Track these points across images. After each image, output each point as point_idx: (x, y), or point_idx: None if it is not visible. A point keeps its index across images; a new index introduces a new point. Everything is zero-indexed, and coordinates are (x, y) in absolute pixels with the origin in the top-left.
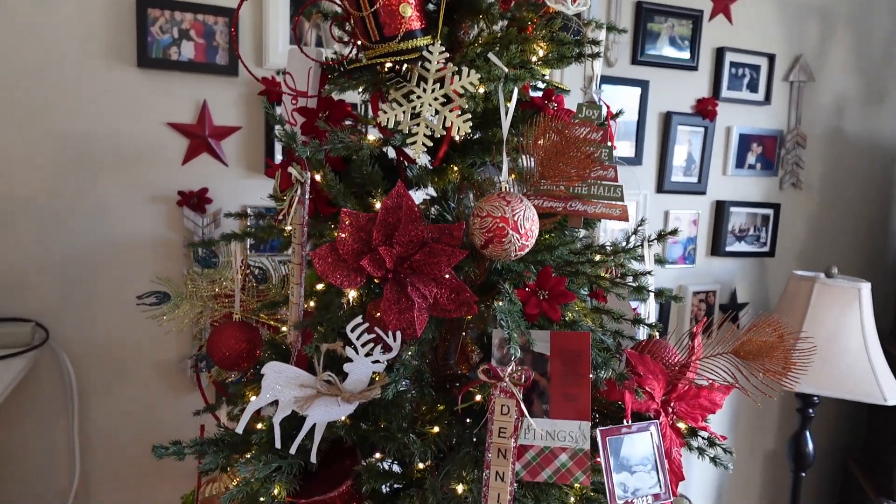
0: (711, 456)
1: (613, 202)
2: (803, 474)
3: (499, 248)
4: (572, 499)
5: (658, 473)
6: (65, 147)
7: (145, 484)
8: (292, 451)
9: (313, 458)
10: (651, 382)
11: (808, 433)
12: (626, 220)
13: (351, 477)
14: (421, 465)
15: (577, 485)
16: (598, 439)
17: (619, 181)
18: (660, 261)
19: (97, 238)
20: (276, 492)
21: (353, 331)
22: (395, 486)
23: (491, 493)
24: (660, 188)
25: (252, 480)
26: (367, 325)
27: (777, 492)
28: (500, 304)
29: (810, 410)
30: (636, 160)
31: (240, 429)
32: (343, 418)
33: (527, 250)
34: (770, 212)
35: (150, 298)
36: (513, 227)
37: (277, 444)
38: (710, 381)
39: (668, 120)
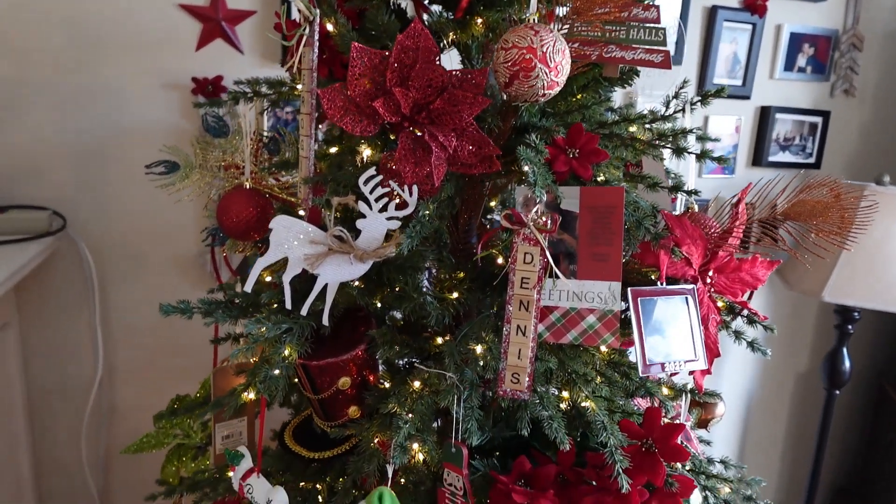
0: (749, 340)
1: (655, 48)
2: (837, 392)
3: (525, 84)
4: (599, 361)
5: (693, 341)
6: (77, 28)
7: (168, 373)
8: (303, 312)
9: (325, 321)
10: (689, 246)
11: (844, 350)
12: (669, 67)
13: (365, 342)
14: (439, 340)
15: (604, 347)
16: (630, 299)
17: None
18: (703, 154)
19: (112, 126)
20: (286, 353)
21: (365, 184)
22: (412, 360)
23: (511, 347)
24: (700, 91)
25: (262, 339)
26: (380, 177)
27: (808, 412)
28: (526, 150)
29: (849, 327)
30: (675, 59)
31: (248, 287)
32: (356, 280)
33: (556, 89)
34: (819, 120)
35: (158, 168)
36: (541, 59)
37: (288, 305)
38: (754, 254)
39: (712, 15)
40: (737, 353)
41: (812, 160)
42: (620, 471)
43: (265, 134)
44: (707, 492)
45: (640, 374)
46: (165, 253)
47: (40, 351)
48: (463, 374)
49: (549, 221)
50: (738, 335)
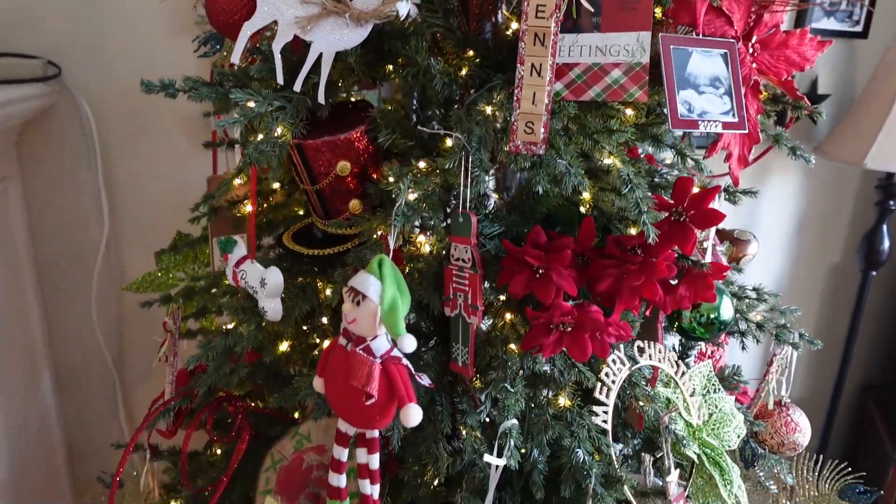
0: (791, 146)
1: None
2: (873, 273)
3: None
4: (629, 112)
5: (731, 99)
6: None
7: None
8: (296, 88)
9: (321, 97)
10: (730, 2)
11: (884, 228)
12: None
13: (365, 123)
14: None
15: (629, 111)
16: (661, 47)
17: None
18: None
19: None
20: (279, 132)
21: None
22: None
23: (524, 91)
24: None
25: (251, 114)
26: None
27: (839, 306)
28: None
29: (891, 203)
30: None
31: (235, 59)
32: (354, 48)
33: None
34: None
35: None
36: None
37: (279, 80)
38: (802, 28)
39: None
40: (767, 245)
41: (859, 28)
42: (647, 222)
43: None
44: (738, 314)
45: (671, 128)
46: (168, 113)
47: (45, 215)
48: (471, 135)
49: None
50: (777, 140)
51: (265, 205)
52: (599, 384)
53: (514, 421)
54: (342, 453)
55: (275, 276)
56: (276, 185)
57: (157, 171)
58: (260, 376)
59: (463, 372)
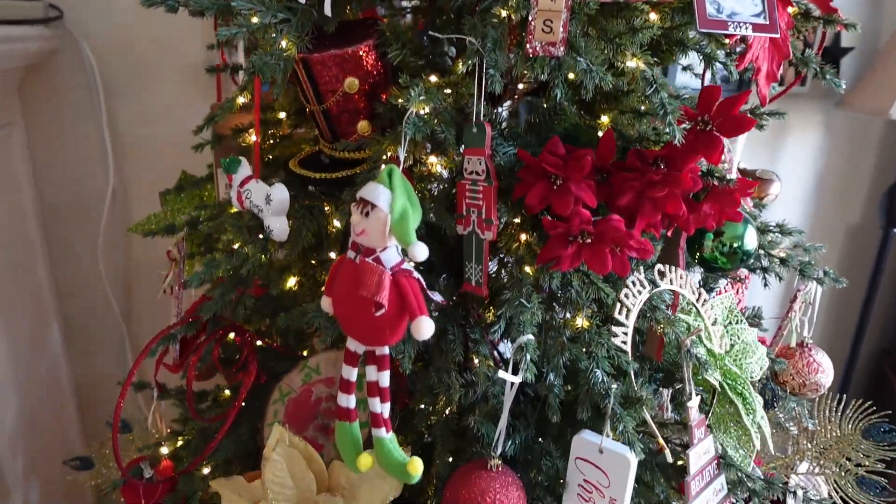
0: (818, 68)
1: None
2: (894, 231)
3: None
4: (653, 16)
5: (764, 6)
6: None
7: None
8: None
9: (327, 9)
10: None
11: None
12: None
13: (374, 38)
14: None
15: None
16: None
17: None
18: None
19: None
20: (283, 45)
21: None
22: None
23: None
24: None
25: (253, 27)
26: None
27: (856, 267)
28: None
29: None
30: None
31: None
32: None
33: None
34: None
35: None
36: None
37: None
38: None
39: None
40: (784, 205)
41: None
42: (672, 122)
43: None
44: (762, 249)
45: (699, 29)
46: (172, 63)
47: (49, 164)
48: (485, 38)
49: None
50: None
51: (270, 141)
52: (619, 305)
53: (530, 336)
54: (351, 373)
55: (280, 192)
56: (282, 115)
57: (162, 117)
58: (267, 310)
59: (476, 291)
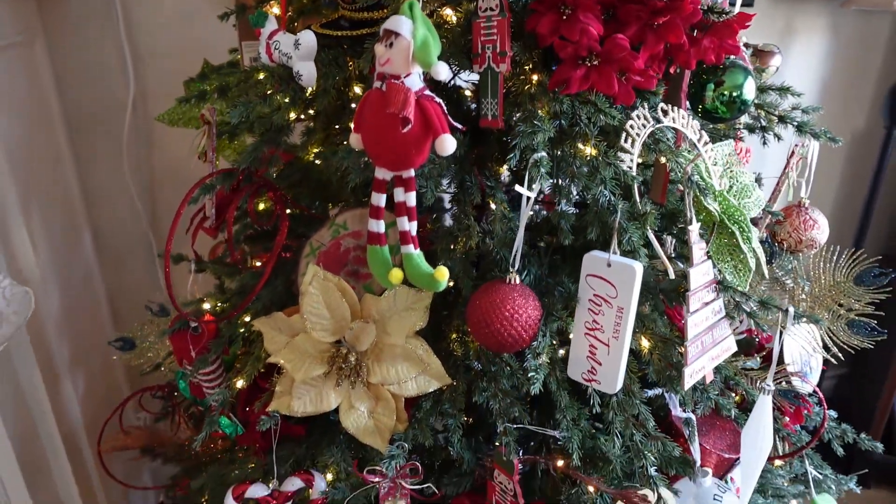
0: None
1: None
2: None
3: None
4: None
5: None
6: None
7: None
8: None
9: None
10: None
11: None
12: None
13: None
14: None
15: None
16: None
17: None
18: None
19: None
20: None
21: None
22: None
23: None
24: None
25: None
26: None
27: (859, 174)
28: None
29: None
30: None
31: None
32: None
33: None
34: None
35: None
36: None
37: None
38: None
39: None
40: None
41: None
42: None
43: None
44: (761, 109)
45: None
46: None
47: (71, 73)
48: None
49: None
50: None
51: (290, 14)
52: (624, 134)
53: (544, 153)
54: (380, 199)
55: (308, 36)
56: None
57: (181, 24)
58: (294, 177)
59: (493, 124)
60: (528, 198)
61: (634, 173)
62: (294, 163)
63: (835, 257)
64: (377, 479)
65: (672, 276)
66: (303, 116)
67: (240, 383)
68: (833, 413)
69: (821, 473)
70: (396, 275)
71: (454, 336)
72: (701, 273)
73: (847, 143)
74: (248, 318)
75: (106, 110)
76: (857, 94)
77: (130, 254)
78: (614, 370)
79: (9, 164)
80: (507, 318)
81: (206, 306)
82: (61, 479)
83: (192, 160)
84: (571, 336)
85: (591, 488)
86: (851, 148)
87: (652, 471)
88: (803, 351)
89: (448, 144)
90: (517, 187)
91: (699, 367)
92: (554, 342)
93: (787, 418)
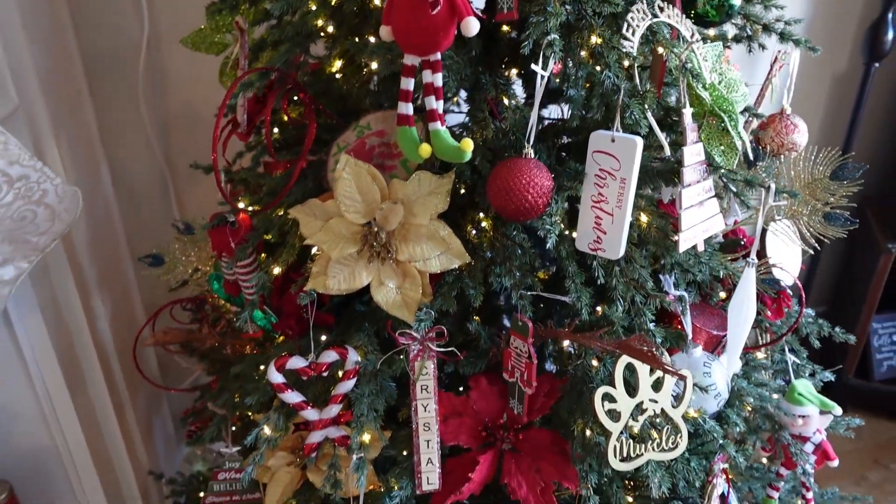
0: None
1: None
2: (876, 66)
3: None
4: None
5: None
6: None
7: None
8: None
9: None
10: None
11: (889, 17)
12: None
13: None
14: None
15: None
16: None
17: None
18: None
19: None
20: None
21: None
22: None
23: None
24: None
25: None
26: None
27: (841, 116)
28: None
29: None
30: None
31: None
32: None
33: None
34: None
35: None
36: None
37: None
38: None
39: None
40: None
41: None
42: None
43: None
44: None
45: None
46: None
47: (86, 10)
48: None
49: None
50: None
51: None
52: (626, 25)
53: (556, 35)
54: (409, 83)
55: None
56: None
57: None
58: (318, 87)
59: (508, 17)
60: (542, 76)
61: (635, 53)
62: (318, 74)
63: (813, 156)
64: (408, 342)
65: (668, 152)
66: (330, 29)
67: (277, 270)
68: (810, 312)
69: (800, 360)
70: (425, 149)
71: (470, 228)
72: (693, 153)
73: (828, 84)
74: (280, 213)
75: (121, 49)
76: (839, 35)
77: (146, 191)
78: (617, 237)
79: (41, 91)
80: (525, 186)
81: (241, 205)
82: (95, 389)
83: (228, 66)
84: (580, 210)
85: (594, 362)
86: (833, 88)
87: (650, 325)
88: (784, 247)
89: (472, 25)
90: (532, 66)
91: (692, 234)
92: (564, 211)
93: (770, 312)
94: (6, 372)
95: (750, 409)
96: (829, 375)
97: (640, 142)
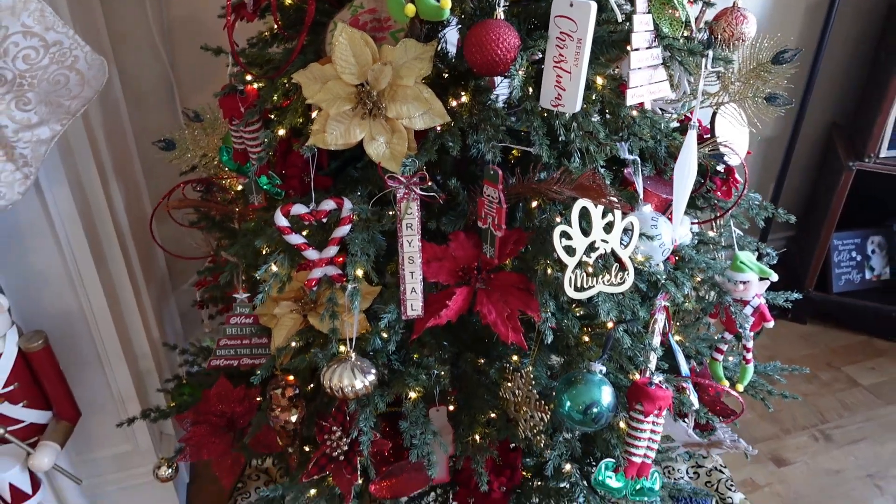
0: None
1: None
2: None
3: None
4: None
5: None
6: None
7: None
8: None
9: None
10: None
11: None
12: None
13: None
14: None
15: None
16: None
17: None
18: None
19: None
20: None
21: None
22: None
23: None
24: None
25: None
26: None
27: (815, 36)
28: None
29: None
30: None
31: None
32: None
33: None
34: None
35: None
36: None
37: None
38: None
39: None
40: None
41: None
42: None
43: None
44: None
45: None
46: None
47: None
48: None
49: None
50: None
51: None
52: None
53: None
54: None
55: None
56: None
57: None
58: None
59: None
60: None
61: None
62: None
63: (758, 43)
64: (395, 185)
65: (619, 19)
66: None
67: (281, 132)
68: (757, 196)
69: (742, 231)
70: (410, 9)
71: (451, 99)
72: (642, 21)
73: (801, 15)
74: (284, 81)
75: None
76: None
77: (153, 94)
78: (575, 92)
79: None
80: (494, 40)
81: (248, 77)
82: (115, 266)
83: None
84: (543, 71)
85: (557, 218)
86: (805, 18)
87: (602, 171)
88: (732, 128)
89: None
90: None
91: (639, 92)
92: (529, 67)
93: (719, 193)
94: (39, 238)
95: (699, 279)
96: (771, 251)
97: (594, 5)
